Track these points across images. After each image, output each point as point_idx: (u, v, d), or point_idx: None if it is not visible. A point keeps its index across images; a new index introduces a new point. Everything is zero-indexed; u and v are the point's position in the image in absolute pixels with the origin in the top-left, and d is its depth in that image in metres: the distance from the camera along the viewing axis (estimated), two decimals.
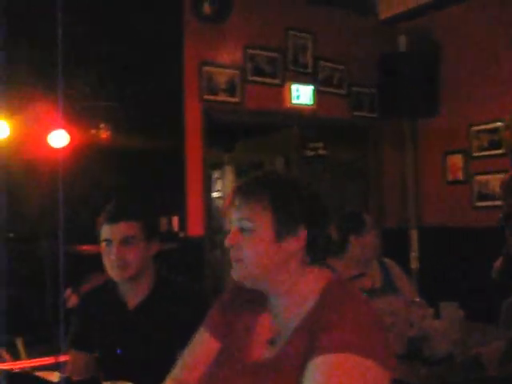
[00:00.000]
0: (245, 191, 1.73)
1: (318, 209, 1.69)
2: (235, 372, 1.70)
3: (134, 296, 2.50)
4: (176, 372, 1.90)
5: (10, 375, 2.06)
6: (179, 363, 1.92)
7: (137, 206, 2.55)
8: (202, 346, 1.87)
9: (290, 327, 1.65)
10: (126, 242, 2.42)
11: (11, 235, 6.07)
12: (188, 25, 6.12)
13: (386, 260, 3.73)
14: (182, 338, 2.33)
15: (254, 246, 1.68)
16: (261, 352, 1.70)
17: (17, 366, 2.49)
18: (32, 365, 2.42)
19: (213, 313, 1.91)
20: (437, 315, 3.22)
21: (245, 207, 1.71)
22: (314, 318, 1.59)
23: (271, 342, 1.70)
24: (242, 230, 1.71)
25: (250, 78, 6.49)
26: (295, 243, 1.66)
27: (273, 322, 1.73)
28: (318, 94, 6.94)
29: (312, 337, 1.53)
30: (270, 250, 1.66)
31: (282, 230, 1.66)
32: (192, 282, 2.68)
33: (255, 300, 1.78)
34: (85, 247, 5.43)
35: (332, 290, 1.64)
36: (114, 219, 2.43)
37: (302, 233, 1.66)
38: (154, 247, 2.51)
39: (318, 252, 1.68)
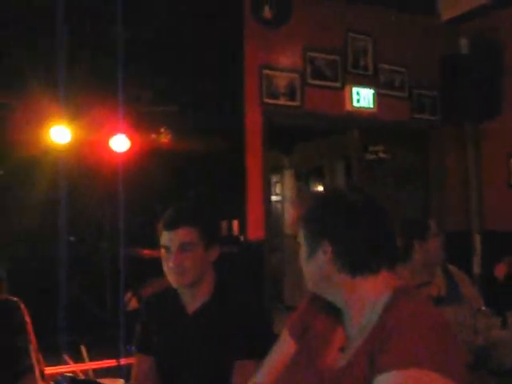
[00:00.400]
0: (296, 210, 1.86)
1: (341, 222, 1.68)
2: (308, 377, 1.72)
3: (193, 301, 2.48)
4: (258, 375, 1.93)
5: (74, 382, 2.06)
6: (261, 366, 1.94)
7: (195, 212, 2.52)
8: (282, 348, 1.91)
9: (358, 337, 1.64)
10: (184, 248, 2.40)
11: (72, 239, 6.16)
12: (248, 29, 6.12)
13: (451, 267, 3.65)
14: (239, 345, 2.32)
15: (300, 262, 1.78)
16: (333, 359, 1.70)
17: (79, 368, 2.50)
18: (94, 367, 2.42)
19: (293, 315, 1.95)
20: (504, 325, 3.13)
21: (296, 224, 1.82)
22: (380, 329, 1.55)
23: (342, 350, 1.69)
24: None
25: (310, 81, 6.46)
26: (322, 257, 1.69)
27: (344, 329, 1.73)
28: (378, 96, 6.86)
29: (379, 349, 1.50)
30: (305, 264, 1.75)
31: (310, 245, 1.72)
32: (251, 288, 2.66)
33: (333, 307, 1.77)
34: (145, 251, 5.47)
35: (398, 300, 1.60)
36: (171, 226, 2.42)
37: (327, 247, 1.68)
38: (213, 253, 2.48)
39: (348, 264, 1.67)
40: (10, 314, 2.54)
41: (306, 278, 1.77)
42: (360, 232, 1.67)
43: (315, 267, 1.71)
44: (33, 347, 2.53)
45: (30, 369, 2.45)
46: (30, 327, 2.57)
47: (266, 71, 6.18)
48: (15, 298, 2.60)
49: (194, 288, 2.45)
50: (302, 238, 1.75)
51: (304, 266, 1.75)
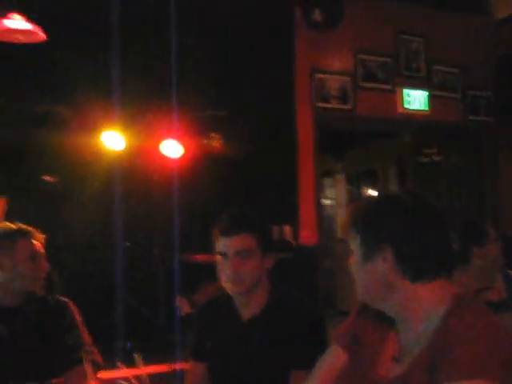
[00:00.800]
0: (349, 215, 1.75)
1: (401, 227, 1.63)
2: None
3: (248, 309, 2.45)
4: None
5: None
6: (311, 377, 1.91)
7: (252, 218, 2.48)
8: (332, 359, 1.88)
9: (414, 345, 1.59)
10: (241, 255, 2.36)
11: (128, 244, 6.21)
12: (299, 32, 6.10)
13: (510, 272, 3.57)
14: (295, 354, 2.28)
15: (352, 269, 1.72)
16: (387, 368, 1.66)
17: (133, 373, 2.49)
18: (147, 372, 2.41)
19: (341, 327, 1.91)
20: None
21: (348, 231, 1.73)
22: (441, 339, 1.52)
23: (396, 359, 1.65)
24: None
25: (362, 84, 6.40)
26: (381, 263, 1.63)
27: (398, 338, 1.68)
28: (431, 98, 6.76)
29: (442, 359, 1.46)
30: (359, 271, 1.69)
31: (367, 252, 1.66)
32: (306, 296, 2.61)
33: (385, 316, 1.74)
34: (198, 256, 5.48)
35: (459, 308, 1.56)
36: (229, 232, 2.38)
37: (388, 253, 1.62)
38: (269, 260, 2.44)
39: (409, 270, 1.63)
40: (60, 314, 2.61)
41: (358, 286, 1.71)
42: (420, 237, 1.63)
43: (372, 274, 1.65)
44: (86, 342, 2.60)
45: (80, 361, 2.48)
46: (80, 325, 2.63)
47: (318, 74, 6.15)
48: (65, 299, 2.66)
49: (249, 295, 2.42)
50: (355, 245, 1.68)
51: (358, 274, 1.69)
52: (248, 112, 5.68)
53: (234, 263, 2.34)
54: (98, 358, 2.59)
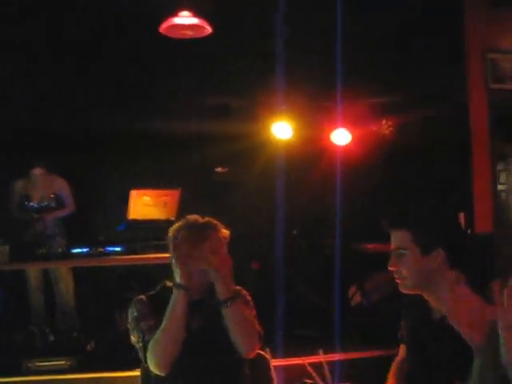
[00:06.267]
0: None
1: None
2: None
3: (437, 308, 2.36)
4: None
5: None
6: None
7: (412, 213, 2.39)
8: None
9: None
10: (398, 253, 2.31)
11: (295, 232, 6.26)
12: (470, 11, 5.83)
13: None
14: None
15: None
16: None
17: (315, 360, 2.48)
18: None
19: None
20: None
21: None
22: None
23: None
24: None
25: None
26: None
27: None
28: None
29: None
30: None
31: None
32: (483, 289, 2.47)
33: None
34: (369, 245, 5.42)
35: None
36: (390, 226, 2.35)
37: None
38: (435, 259, 2.30)
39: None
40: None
41: None
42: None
43: None
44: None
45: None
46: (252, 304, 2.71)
47: (491, 54, 5.85)
48: (238, 286, 2.70)
49: (431, 295, 2.34)
50: None
51: None
52: (420, 97, 5.52)
53: (392, 260, 2.32)
54: (260, 329, 2.64)
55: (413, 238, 2.29)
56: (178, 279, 2.51)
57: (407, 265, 2.31)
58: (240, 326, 2.52)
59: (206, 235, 2.59)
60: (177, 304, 2.47)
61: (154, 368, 2.48)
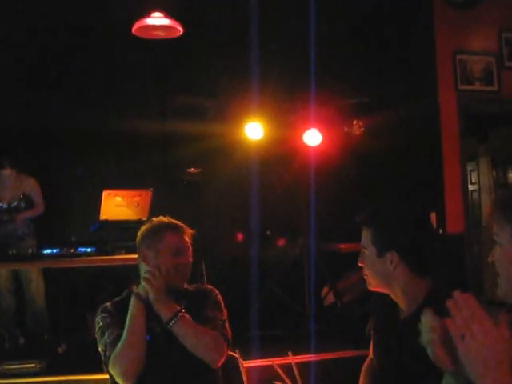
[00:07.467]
0: (495, 203, 1.60)
1: None
2: None
3: (402, 307, 2.36)
4: None
5: None
6: None
7: (378, 212, 2.37)
8: None
9: None
10: (362, 251, 2.32)
11: (268, 233, 6.26)
12: (439, 13, 5.89)
13: None
14: None
15: (498, 261, 1.57)
16: None
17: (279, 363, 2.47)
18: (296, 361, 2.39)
19: None
20: None
21: (495, 221, 1.57)
22: None
23: None
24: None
25: (508, 64, 6.09)
26: None
27: None
28: None
29: None
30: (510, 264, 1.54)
31: None
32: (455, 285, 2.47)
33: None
34: (341, 245, 5.43)
35: None
36: (358, 223, 2.35)
37: None
38: (389, 261, 2.20)
39: None
40: (207, 296, 2.66)
41: (504, 280, 1.56)
42: None
43: None
44: (223, 318, 2.62)
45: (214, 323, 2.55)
46: (221, 307, 2.65)
47: (460, 56, 5.92)
48: (210, 287, 2.73)
49: (392, 294, 2.33)
50: (504, 236, 1.52)
51: (505, 268, 1.55)
52: (389, 98, 5.56)
53: (359, 258, 2.32)
54: (228, 334, 2.59)
55: (371, 238, 2.29)
56: (140, 289, 2.52)
57: (367, 264, 2.31)
58: (193, 341, 2.48)
59: (162, 236, 2.59)
60: (135, 316, 2.47)
61: (119, 380, 2.45)
